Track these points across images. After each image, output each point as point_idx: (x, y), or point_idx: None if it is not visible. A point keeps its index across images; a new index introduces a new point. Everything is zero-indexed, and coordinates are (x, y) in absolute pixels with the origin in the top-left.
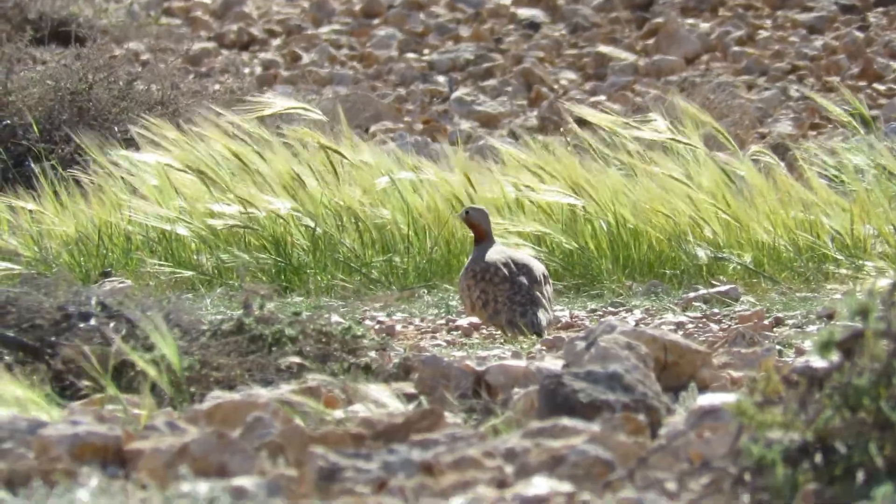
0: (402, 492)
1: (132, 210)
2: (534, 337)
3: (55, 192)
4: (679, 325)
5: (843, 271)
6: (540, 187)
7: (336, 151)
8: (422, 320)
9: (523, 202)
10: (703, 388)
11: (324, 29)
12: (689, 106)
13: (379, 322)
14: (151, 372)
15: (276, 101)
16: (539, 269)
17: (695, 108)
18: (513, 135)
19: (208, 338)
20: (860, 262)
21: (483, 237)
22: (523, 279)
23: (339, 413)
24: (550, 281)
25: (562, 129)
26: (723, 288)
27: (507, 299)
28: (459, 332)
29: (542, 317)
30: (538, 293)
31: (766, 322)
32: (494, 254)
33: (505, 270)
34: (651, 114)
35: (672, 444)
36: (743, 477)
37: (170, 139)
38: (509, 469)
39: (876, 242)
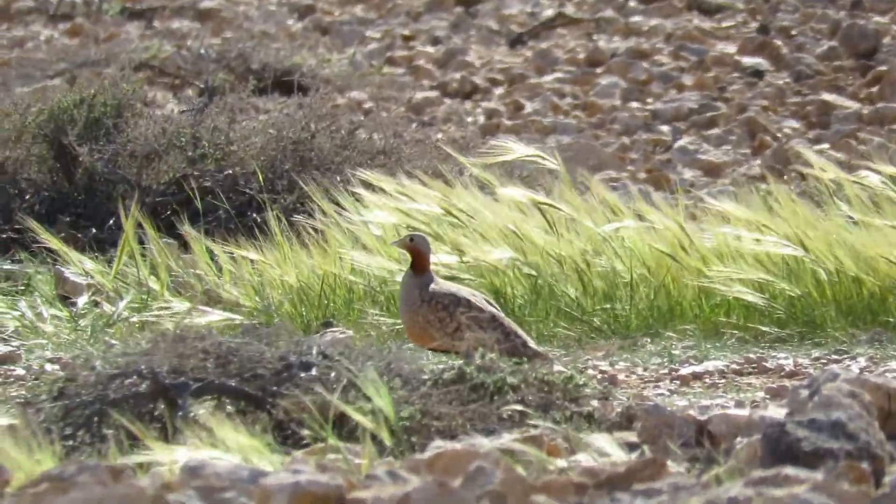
0: None
1: (354, 260)
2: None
3: (277, 242)
4: None
5: None
6: (758, 238)
7: (552, 206)
8: (644, 369)
9: (742, 250)
10: None
11: (547, 78)
12: None
13: (601, 371)
14: (368, 424)
15: (512, 148)
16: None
17: None
18: (736, 183)
19: (429, 387)
20: None
21: (425, 268)
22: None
23: (561, 462)
24: None
25: (785, 178)
26: None
27: (495, 330)
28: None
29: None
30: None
31: None
32: (449, 286)
33: (490, 308)
34: (873, 162)
35: None
36: None
37: (389, 191)
38: None
39: None
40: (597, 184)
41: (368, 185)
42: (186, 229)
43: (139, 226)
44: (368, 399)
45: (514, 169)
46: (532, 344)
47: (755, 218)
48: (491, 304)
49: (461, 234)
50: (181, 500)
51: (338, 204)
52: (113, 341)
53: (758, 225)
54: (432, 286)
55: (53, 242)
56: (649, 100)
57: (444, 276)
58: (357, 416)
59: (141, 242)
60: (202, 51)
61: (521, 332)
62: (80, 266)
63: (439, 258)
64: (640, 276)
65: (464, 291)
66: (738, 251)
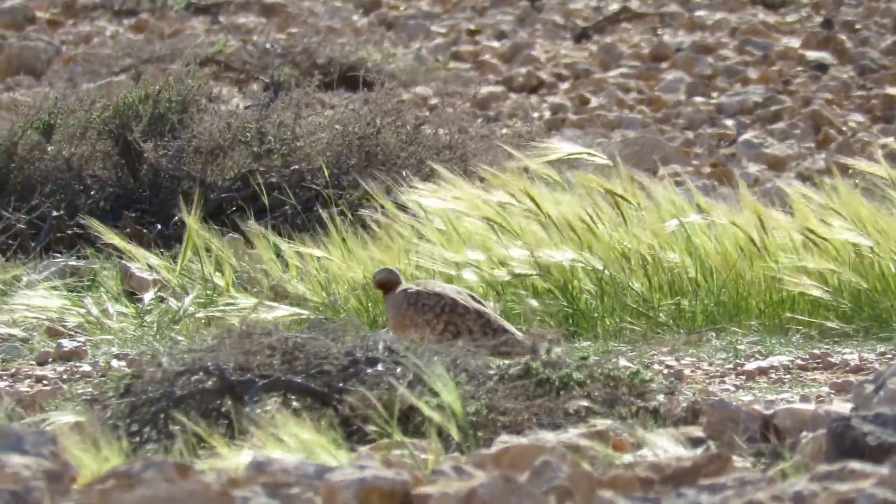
0: None
1: (419, 255)
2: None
3: (342, 238)
4: None
5: None
6: (827, 229)
7: (621, 196)
8: (710, 364)
9: (810, 244)
10: None
11: (612, 73)
12: None
13: (667, 366)
14: (437, 418)
15: (561, 146)
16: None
17: None
18: (801, 177)
19: (495, 382)
20: None
21: (393, 288)
22: (479, 305)
23: (627, 457)
24: None
25: (850, 171)
26: None
27: (481, 327)
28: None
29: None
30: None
31: None
32: (430, 285)
33: (461, 300)
34: None
35: None
36: None
37: (456, 185)
38: None
39: None
40: (660, 178)
41: (434, 179)
42: (251, 225)
43: (205, 221)
44: (435, 394)
45: (575, 165)
46: (520, 337)
47: (829, 202)
48: (476, 301)
49: (530, 226)
50: (247, 496)
51: (402, 206)
52: (179, 337)
53: (829, 212)
54: (415, 287)
55: (116, 240)
56: (714, 94)
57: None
58: (427, 410)
59: (207, 238)
60: (268, 46)
61: (508, 326)
62: (145, 262)
63: (509, 252)
64: (705, 271)
65: (448, 290)
66: (805, 245)
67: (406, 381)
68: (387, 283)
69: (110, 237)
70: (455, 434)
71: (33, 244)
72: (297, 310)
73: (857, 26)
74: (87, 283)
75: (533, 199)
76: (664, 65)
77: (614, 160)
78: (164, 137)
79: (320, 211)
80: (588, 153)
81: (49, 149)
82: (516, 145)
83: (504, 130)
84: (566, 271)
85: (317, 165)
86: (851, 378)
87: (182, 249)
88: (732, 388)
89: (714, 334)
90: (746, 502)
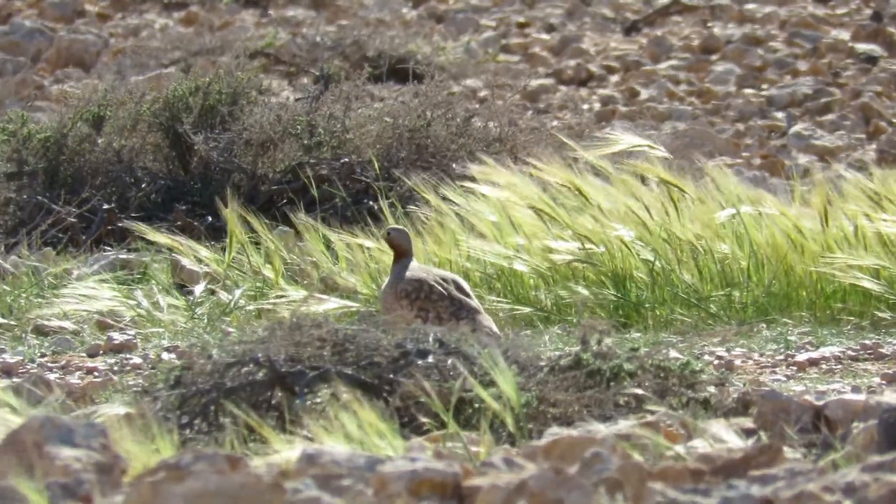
0: None
1: (470, 247)
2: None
3: None
4: None
5: None
6: (881, 218)
7: (676, 186)
8: (761, 355)
9: (862, 237)
10: None
11: (662, 65)
12: None
13: (718, 357)
14: (495, 407)
15: (623, 138)
16: (464, 283)
17: None
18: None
19: (546, 373)
20: None
21: (405, 255)
22: (459, 294)
23: (678, 448)
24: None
25: None
26: None
27: (451, 315)
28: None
29: (488, 322)
30: (476, 303)
31: None
32: (419, 271)
33: (440, 288)
34: None
35: None
36: None
37: (506, 177)
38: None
39: None
40: (712, 168)
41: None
42: (301, 217)
43: (255, 214)
44: (487, 386)
45: (626, 157)
46: (488, 324)
47: (882, 190)
48: (460, 288)
49: (582, 216)
50: (298, 488)
51: (448, 198)
52: (230, 329)
53: (882, 201)
54: (407, 273)
55: (162, 239)
56: (764, 86)
57: (562, 262)
58: (487, 398)
59: (256, 231)
60: (318, 38)
61: (485, 320)
62: (195, 255)
63: (560, 244)
64: (756, 262)
65: (431, 276)
66: (857, 237)
67: (464, 372)
68: (398, 245)
69: (154, 237)
70: (510, 424)
71: (84, 237)
72: (347, 302)
73: None
74: (138, 276)
75: (580, 191)
76: (714, 57)
77: (673, 150)
78: (215, 130)
79: (370, 203)
80: (649, 146)
81: (99, 141)
82: (569, 136)
83: (554, 123)
84: (618, 260)
85: (366, 158)
86: None
87: (227, 243)
88: (783, 379)
89: (765, 325)
90: (797, 493)
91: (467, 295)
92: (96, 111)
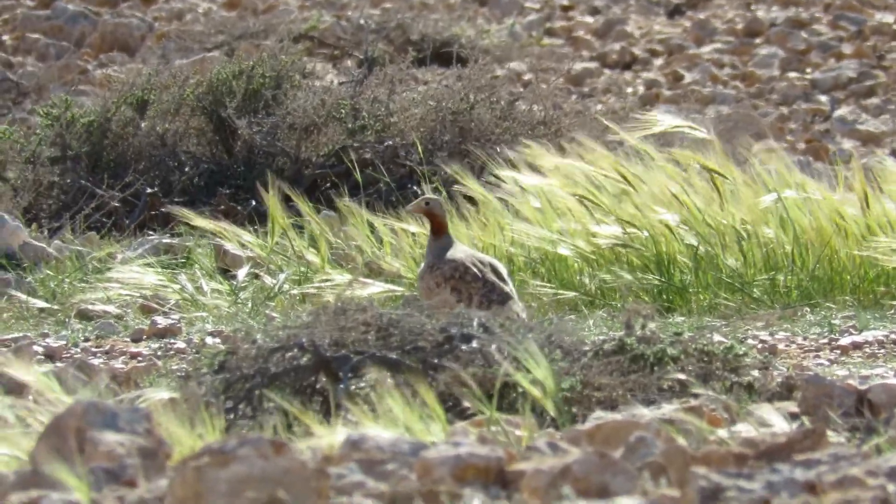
0: None
1: (514, 231)
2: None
3: None
4: None
5: None
6: None
7: (718, 173)
8: (804, 339)
9: None
10: None
11: (706, 48)
12: None
13: (761, 341)
14: (535, 393)
15: (663, 119)
16: (502, 267)
17: None
18: (894, 154)
19: (590, 358)
20: None
21: (442, 230)
22: (493, 277)
23: (722, 432)
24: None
25: None
26: None
27: (483, 297)
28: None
29: (518, 309)
30: (510, 288)
31: None
32: (459, 252)
33: (475, 269)
34: None
35: None
36: None
37: (550, 161)
38: (892, 488)
39: None
40: (759, 152)
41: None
42: (345, 202)
43: (301, 196)
44: (528, 371)
45: (670, 140)
46: (518, 311)
47: None
48: (496, 272)
49: (625, 202)
50: (343, 473)
51: (496, 177)
52: (274, 314)
53: None
54: (448, 253)
55: (204, 223)
56: (808, 69)
57: (605, 246)
58: (526, 385)
59: (301, 215)
60: (362, 21)
61: (517, 304)
62: (238, 239)
63: (603, 229)
64: (800, 247)
65: (469, 258)
66: None
67: (504, 358)
68: (437, 215)
69: (197, 222)
70: (550, 410)
71: (127, 221)
72: (391, 286)
73: None
74: (182, 261)
75: (624, 177)
76: (758, 40)
77: (717, 134)
78: (258, 114)
79: (414, 188)
80: (690, 126)
81: (143, 125)
82: (613, 120)
83: (598, 106)
84: (661, 245)
85: (410, 141)
86: None
87: (269, 227)
88: (827, 363)
89: (808, 309)
90: (841, 478)
91: (503, 280)
92: (140, 95)
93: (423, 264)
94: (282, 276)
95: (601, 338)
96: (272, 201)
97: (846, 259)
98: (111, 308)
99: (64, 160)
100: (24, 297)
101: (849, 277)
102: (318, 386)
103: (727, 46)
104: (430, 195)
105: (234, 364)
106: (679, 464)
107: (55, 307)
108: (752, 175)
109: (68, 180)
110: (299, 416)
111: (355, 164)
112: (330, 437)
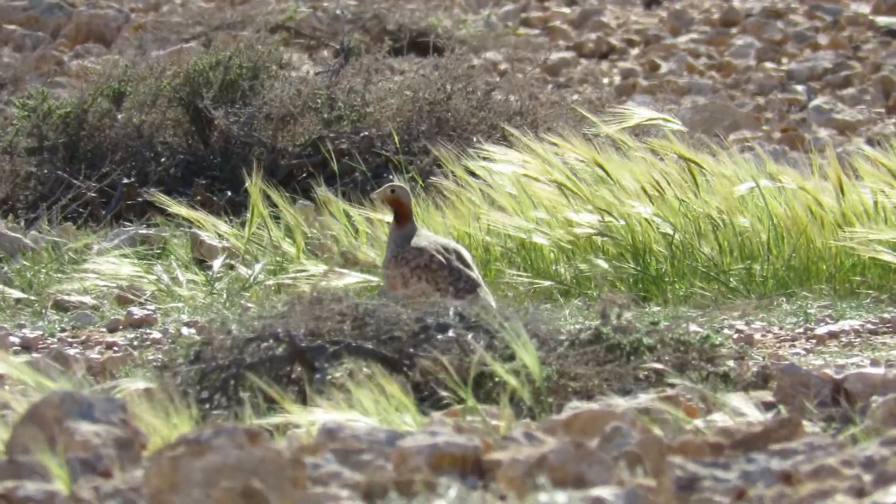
0: (761, 501)
1: (490, 220)
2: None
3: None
4: None
5: None
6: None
7: (694, 162)
8: (780, 328)
9: (882, 210)
10: None
11: (682, 38)
12: None
13: (737, 331)
14: (513, 382)
15: (638, 112)
16: (467, 253)
17: None
18: (870, 142)
19: (566, 348)
20: None
21: (406, 218)
22: (459, 264)
23: (698, 422)
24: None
25: None
26: None
27: (449, 285)
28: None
29: (486, 296)
30: (476, 275)
31: None
32: (422, 240)
33: (440, 257)
34: None
35: None
36: None
37: (527, 149)
38: (868, 478)
39: None
40: (735, 141)
41: (505, 143)
42: (322, 192)
43: (275, 188)
44: (507, 360)
45: (646, 129)
46: (486, 298)
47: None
48: (461, 259)
49: (601, 190)
50: (318, 463)
51: (472, 172)
52: (249, 304)
53: None
54: (412, 241)
55: (184, 211)
56: (784, 60)
57: (582, 235)
58: (503, 374)
59: (277, 205)
60: (338, 12)
61: (484, 292)
62: (215, 230)
63: (580, 217)
64: (776, 236)
65: (433, 245)
66: (877, 210)
67: (482, 346)
68: (402, 204)
69: (177, 209)
70: (527, 399)
71: (104, 212)
72: (367, 276)
73: None
74: (158, 251)
75: (601, 166)
76: (734, 30)
77: (693, 124)
78: (235, 104)
79: (391, 177)
80: (665, 119)
81: (119, 116)
82: (589, 110)
83: (574, 96)
84: (637, 234)
85: (387, 131)
86: None
87: (248, 218)
88: (803, 353)
89: (784, 299)
90: (817, 467)
91: (468, 266)
92: (116, 86)
93: (386, 254)
94: (257, 267)
95: (577, 327)
96: (255, 190)
97: (822, 248)
98: (87, 299)
99: (41, 151)
100: (0, 287)
101: (825, 267)
102: (293, 376)
103: (703, 36)
104: (396, 182)
105: (209, 354)
106: (655, 453)
107: (32, 297)
108: (728, 164)
109: (45, 171)
110: (277, 401)
111: (332, 154)
112: (306, 426)
